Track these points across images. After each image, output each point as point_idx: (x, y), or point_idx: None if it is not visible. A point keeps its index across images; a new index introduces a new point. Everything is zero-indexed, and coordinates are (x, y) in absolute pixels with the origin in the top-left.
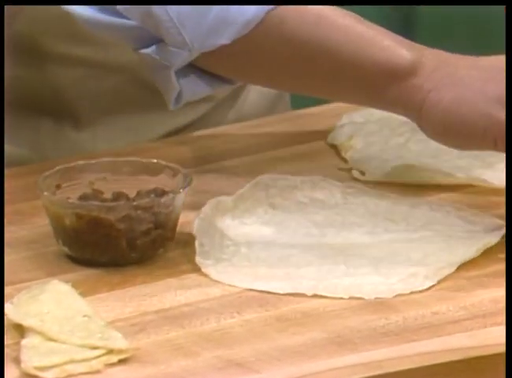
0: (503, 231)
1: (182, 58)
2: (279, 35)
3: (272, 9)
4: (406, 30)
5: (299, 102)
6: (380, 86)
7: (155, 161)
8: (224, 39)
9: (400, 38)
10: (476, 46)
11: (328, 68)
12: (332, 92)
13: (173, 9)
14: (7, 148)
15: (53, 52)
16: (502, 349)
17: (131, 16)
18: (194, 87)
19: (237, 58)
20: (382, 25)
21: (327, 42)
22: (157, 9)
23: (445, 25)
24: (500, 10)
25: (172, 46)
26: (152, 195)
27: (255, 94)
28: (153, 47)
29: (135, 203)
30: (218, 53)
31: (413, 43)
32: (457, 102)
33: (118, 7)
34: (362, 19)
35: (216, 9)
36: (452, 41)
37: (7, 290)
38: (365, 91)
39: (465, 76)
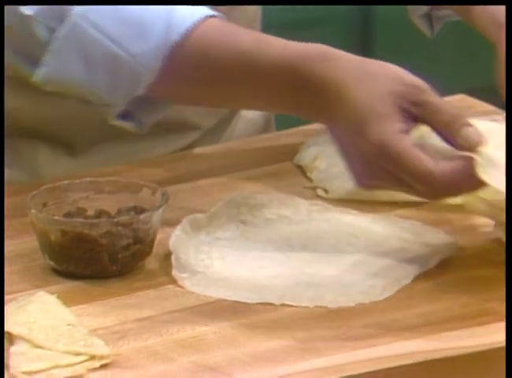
0: (454, 244)
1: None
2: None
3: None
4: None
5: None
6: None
7: (134, 180)
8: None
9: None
10: (434, 44)
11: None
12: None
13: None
14: (7, 172)
15: None
16: (456, 352)
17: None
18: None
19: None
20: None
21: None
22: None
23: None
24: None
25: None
26: (132, 212)
27: (243, 123)
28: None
29: (115, 220)
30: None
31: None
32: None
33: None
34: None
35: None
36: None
37: None
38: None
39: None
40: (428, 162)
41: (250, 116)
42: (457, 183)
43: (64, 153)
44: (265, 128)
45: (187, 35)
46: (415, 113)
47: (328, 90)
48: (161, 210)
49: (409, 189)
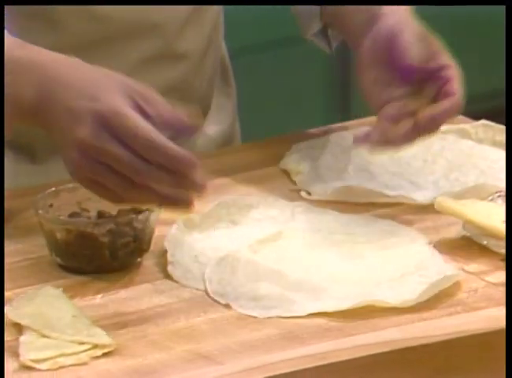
0: (426, 242)
1: None
2: None
3: None
4: None
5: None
6: None
7: None
8: None
9: None
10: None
11: None
12: None
13: None
14: None
15: None
16: (429, 340)
17: None
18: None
19: None
20: None
21: None
22: None
23: None
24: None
25: None
26: (131, 213)
27: (203, 140)
28: None
29: (116, 220)
30: None
31: None
32: None
33: None
34: None
35: None
36: None
37: (7, 294)
38: None
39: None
40: (152, 130)
41: (210, 132)
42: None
43: (26, 160)
44: (226, 144)
45: None
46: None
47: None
48: (157, 211)
49: (123, 187)
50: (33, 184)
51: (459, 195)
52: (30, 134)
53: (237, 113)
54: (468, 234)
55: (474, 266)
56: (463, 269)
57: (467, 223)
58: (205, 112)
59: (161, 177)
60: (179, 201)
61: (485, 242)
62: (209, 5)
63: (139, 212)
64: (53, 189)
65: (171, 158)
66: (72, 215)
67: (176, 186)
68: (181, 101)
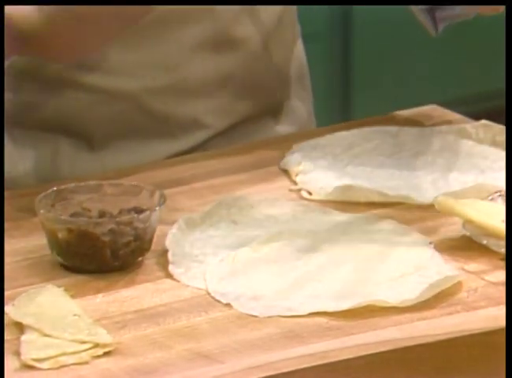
0: (426, 242)
1: None
2: None
3: None
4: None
5: None
6: None
7: (135, 183)
8: None
9: None
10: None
11: None
12: None
13: None
14: (26, 165)
15: (66, 79)
16: (428, 340)
17: None
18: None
19: None
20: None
21: None
22: None
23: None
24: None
25: None
26: (132, 213)
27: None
28: None
29: (117, 219)
30: None
31: None
32: None
33: None
34: None
35: None
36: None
37: (8, 293)
38: None
39: None
40: None
41: (281, 131)
42: None
43: (83, 148)
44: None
45: None
46: None
47: None
48: (158, 210)
49: None
50: (90, 172)
51: (459, 195)
52: (86, 120)
53: (314, 118)
54: (468, 233)
55: (474, 266)
56: (463, 269)
57: (467, 222)
58: (275, 110)
59: None
60: None
61: (485, 242)
62: (214, 5)
63: (140, 211)
64: (55, 189)
65: None
66: (74, 215)
67: None
68: (244, 89)
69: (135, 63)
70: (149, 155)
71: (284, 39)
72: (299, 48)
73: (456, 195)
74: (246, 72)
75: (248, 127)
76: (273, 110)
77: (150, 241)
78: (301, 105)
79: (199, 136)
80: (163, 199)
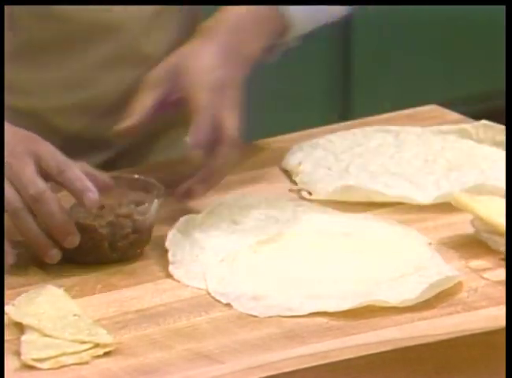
0: (426, 242)
1: None
2: None
3: None
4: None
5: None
6: None
7: (134, 176)
8: None
9: None
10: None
11: None
12: None
13: None
14: None
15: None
16: (429, 339)
17: None
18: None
19: None
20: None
21: None
22: None
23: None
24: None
25: None
26: (131, 205)
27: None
28: None
29: (116, 212)
30: None
31: None
32: None
33: None
34: None
35: None
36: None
37: (9, 293)
38: None
39: None
40: None
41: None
42: None
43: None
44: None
45: None
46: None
47: None
48: (156, 202)
49: None
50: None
51: (481, 191)
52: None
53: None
54: (471, 231)
55: (474, 265)
56: (463, 268)
57: (476, 219)
58: (186, 122)
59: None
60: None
61: (489, 240)
62: (204, 5)
63: (139, 204)
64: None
65: (54, 226)
66: (73, 207)
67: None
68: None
69: (41, 82)
70: (159, 155)
71: None
72: None
73: (478, 191)
74: None
75: (159, 143)
76: (185, 122)
77: (150, 233)
78: None
79: (110, 153)
80: (161, 192)
